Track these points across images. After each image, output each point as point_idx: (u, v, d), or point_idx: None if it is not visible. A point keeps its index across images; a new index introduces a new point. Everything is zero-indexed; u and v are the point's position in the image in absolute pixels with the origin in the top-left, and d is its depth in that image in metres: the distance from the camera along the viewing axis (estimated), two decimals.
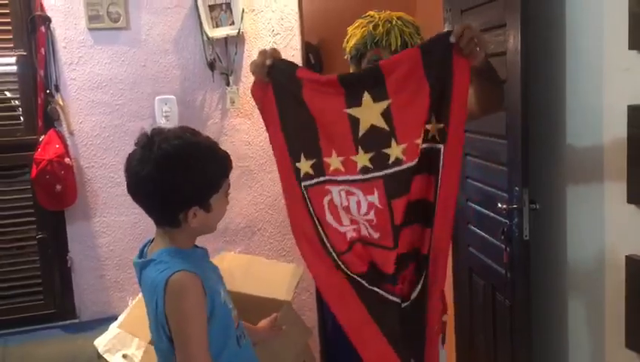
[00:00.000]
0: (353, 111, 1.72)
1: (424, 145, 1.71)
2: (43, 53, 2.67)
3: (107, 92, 2.80)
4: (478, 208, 2.51)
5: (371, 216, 1.78)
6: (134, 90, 2.83)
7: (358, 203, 1.79)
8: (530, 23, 2.04)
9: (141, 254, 1.57)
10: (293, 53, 2.97)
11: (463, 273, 2.76)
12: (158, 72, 2.85)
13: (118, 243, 2.86)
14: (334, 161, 1.78)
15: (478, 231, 2.53)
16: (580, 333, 2.14)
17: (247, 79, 2.90)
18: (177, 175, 1.42)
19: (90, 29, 2.75)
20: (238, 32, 2.84)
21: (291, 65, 1.85)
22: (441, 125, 1.70)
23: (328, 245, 1.83)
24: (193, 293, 1.41)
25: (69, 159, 2.69)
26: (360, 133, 1.73)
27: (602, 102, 1.95)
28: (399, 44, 1.90)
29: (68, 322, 2.83)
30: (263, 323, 1.90)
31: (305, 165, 1.80)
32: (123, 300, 2.81)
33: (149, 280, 1.47)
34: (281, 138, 1.82)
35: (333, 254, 1.82)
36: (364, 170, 1.75)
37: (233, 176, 1.56)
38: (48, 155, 2.61)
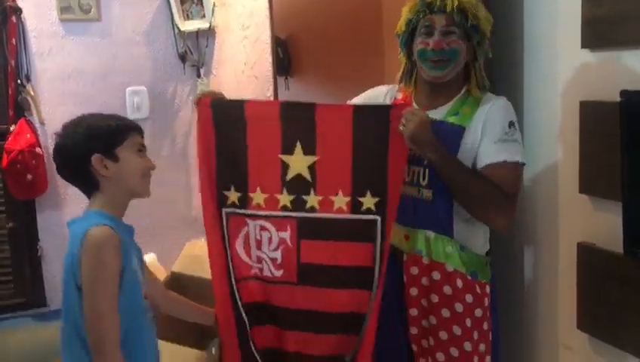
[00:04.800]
0: (285, 158, 1.86)
1: (354, 216, 1.83)
2: (14, 43, 2.68)
3: (78, 83, 2.82)
4: None
5: (278, 253, 1.88)
6: (105, 80, 2.85)
7: (270, 238, 1.89)
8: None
9: None
10: (263, 47, 3.02)
11: None
12: (129, 64, 2.88)
13: None
14: (257, 197, 1.88)
15: None
16: (534, 316, 2.25)
17: (218, 71, 2.95)
18: (76, 132, 1.61)
19: (61, 20, 2.76)
20: (210, 26, 2.88)
21: (238, 103, 1.90)
22: (377, 199, 1.81)
23: (231, 270, 1.90)
24: (110, 247, 1.48)
25: (39, 149, 2.71)
26: (287, 178, 1.86)
27: (557, 98, 2.05)
28: (455, 5, 1.80)
29: (38, 311, 2.85)
30: None
31: (233, 195, 1.89)
32: None
33: (72, 234, 1.55)
34: (212, 164, 1.88)
35: (232, 279, 1.90)
36: (284, 208, 1.88)
37: None
38: (19, 145, 2.63)
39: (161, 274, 2.47)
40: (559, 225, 2.09)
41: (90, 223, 1.51)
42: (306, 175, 1.85)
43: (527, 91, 2.18)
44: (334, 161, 1.83)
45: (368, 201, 1.82)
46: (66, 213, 2.86)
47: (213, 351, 1.98)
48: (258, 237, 1.89)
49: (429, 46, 1.83)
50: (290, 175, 1.86)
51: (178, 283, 2.27)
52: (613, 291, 1.83)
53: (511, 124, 1.82)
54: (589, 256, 1.92)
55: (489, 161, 1.80)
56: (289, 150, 1.85)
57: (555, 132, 2.07)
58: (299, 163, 1.85)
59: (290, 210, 1.87)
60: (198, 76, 2.94)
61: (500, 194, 1.77)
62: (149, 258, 2.67)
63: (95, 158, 1.57)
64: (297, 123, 1.84)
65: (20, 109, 2.73)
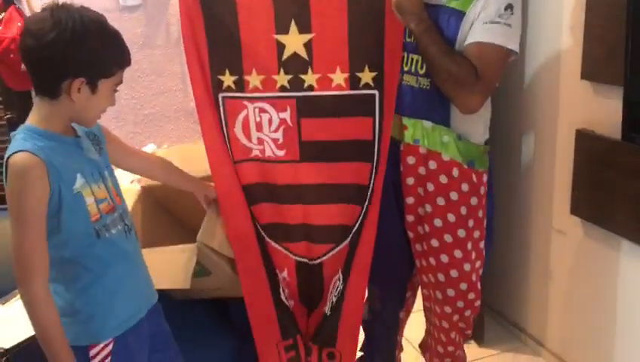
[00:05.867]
0: (280, 38, 1.81)
1: (353, 92, 1.82)
2: None
3: None
4: None
5: (279, 134, 1.89)
6: None
7: (270, 119, 1.89)
8: None
9: None
10: None
11: None
12: None
13: None
14: (253, 79, 1.86)
15: None
16: (529, 202, 2.30)
17: None
18: (75, 42, 1.36)
19: None
20: None
21: None
22: (374, 73, 1.80)
23: (230, 154, 1.91)
24: (31, 177, 1.35)
25: None
26: (284, 57, 1.83)
27: None
28: None
29: None
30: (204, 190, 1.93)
31: (228, 79, 1.86)
32: None
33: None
34: (204, 48, 1.83)
35: (232, 161, 1.91)
36: (282, 88, 1.86)
37: None
38: (11, 33, 2.57)
39: None
40: (559, 112, 2.09)
41: (12, 148, 1.37)
42: (303, 53, 1.82)
43: None
44: (331, 38, 1.80)
45: (366, 76, 1.82)
46: None
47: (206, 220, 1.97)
48: (257, 119, 1.90)
49: None
50: (286, 54, 1.83)
51: (153, 196, 2.21)
52: (609, 177, 1.86)
53: (508, 7, 1.72)
54: (587, 143, 1.93)
55: (472, 40, 1.73)
56: (284, 30, 1.81)
57: (560, 17, 2.02)
58: (294, 41, 1.82)
59: (289, 90, 1.86)
60: None
61: (470, 74, 1.71)
62: (149, 149, 2.68)
63: (77, 81, 1.37)
64: (291, 1, 1.80)
65: None
